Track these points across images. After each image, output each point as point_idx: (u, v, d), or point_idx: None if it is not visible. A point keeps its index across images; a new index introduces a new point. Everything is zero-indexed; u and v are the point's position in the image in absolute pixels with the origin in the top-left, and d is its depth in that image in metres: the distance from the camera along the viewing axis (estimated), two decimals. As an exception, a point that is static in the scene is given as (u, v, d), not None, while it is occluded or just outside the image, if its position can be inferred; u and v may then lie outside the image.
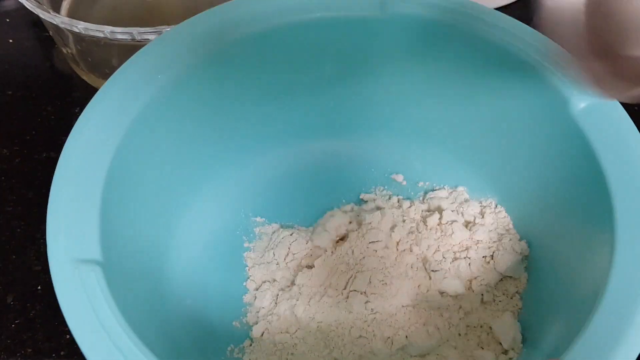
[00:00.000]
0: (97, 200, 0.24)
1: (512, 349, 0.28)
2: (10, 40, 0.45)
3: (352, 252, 0.31)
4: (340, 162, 0.36)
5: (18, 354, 0.30)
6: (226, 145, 0.33)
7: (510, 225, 0.32)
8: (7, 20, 0.46)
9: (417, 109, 0.34)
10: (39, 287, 0.32)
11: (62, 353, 0.30)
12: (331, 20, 0.30)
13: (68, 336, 0.30)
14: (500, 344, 0.29)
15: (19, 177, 0.37)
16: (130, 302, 0.23)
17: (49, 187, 0.37)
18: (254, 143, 0.34)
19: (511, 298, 0.31)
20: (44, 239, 0.34)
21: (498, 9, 0.44)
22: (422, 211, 0.33)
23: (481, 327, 0.30)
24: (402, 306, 0.30)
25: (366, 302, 0.30)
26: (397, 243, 0.32)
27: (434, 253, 0.31)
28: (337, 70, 0.33)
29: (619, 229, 0.24)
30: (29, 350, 0.30)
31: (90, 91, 0.41)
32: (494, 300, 0.30)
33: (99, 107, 0.26)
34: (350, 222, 0.33)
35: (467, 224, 0.33)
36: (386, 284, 0.30)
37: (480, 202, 0.34)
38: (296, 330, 0.30)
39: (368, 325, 0.29)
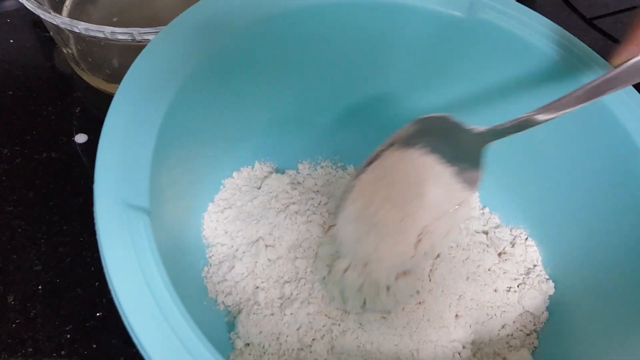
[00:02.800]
0: (149, 149, 0.22)
1: None
2: (11, 41, 0.45)
3: None
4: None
5: (19, 353, 0.30)
6: (287, 107, 0.33)
7: (539, 262, 0.32)
8: (8, 20, 0.46)
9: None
10: (40, 287, 0.32)
11: (62, 352, 0.30)
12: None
13: (68, 335, 0.30)
14: None
15: (19, 177, 0.37)
16: (165, 247, 0.22)
17: (49, 187, 0.37)
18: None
19: (528, 335, 0.30)
20: (45, 239, 0.34)
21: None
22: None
23: (494, 357, 0.29)
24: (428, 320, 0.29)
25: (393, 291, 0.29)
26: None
27: (461, 274, 0.30)
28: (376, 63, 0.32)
29: None
30: (30, 349, 0.30)
31: (91, 91, 0.41)
32: (512, 334, 0.30)
33: (149, 67, 0.25)
34: None
35: (496, 251, 0.32)
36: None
37: (511, 231, 0.33)
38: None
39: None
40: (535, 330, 0.30)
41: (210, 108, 0.29)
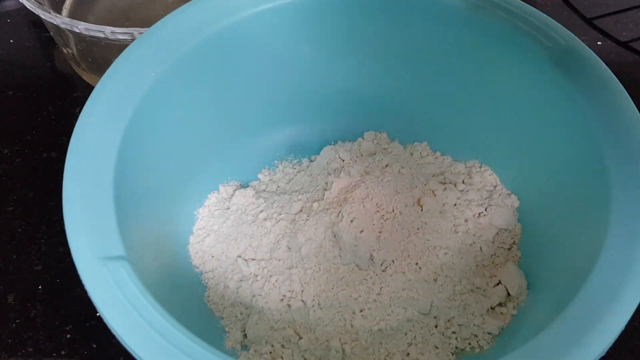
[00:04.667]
0: (110, 196, 0.24)
1: (519, 296, 0.29)
2: (11, 41, 0.45)
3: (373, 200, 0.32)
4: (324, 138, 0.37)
5: (19, 354, 0.30)
6: (229, 127, 0.34)
7: (498, 182, 0.34)
8: (8, 20, 0.46)
9: (391, 77, 0.35)
10: (40, 287, 0.32)
11: (62, 352, 0.30)
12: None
13: (69, 335, 0.31)
14: (508, 293, 0.30)
15: (19, 177, 0.37)
16: (157, 287, 0.24)
17: (49, 187, 0.37)
18: (259, 124, 0.35)
19: (509, 249, 0.32)
20: (45, 239, 0.34)
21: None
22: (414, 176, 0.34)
23: (490, 278, 0.31)
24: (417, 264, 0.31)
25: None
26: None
27: (434, 212, 0.32)
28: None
29: (611, 168, 0.25)
30: (30, 349, 0.30)
31: (91, 91, 0.41)
32: (494, 254, 0.31)
33: (103, 100, 0.27)
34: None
35: (455, 185, 0.34)
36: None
37: (465, 164, 0.35)
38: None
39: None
40: (514, 243, 0.32)
41: (165, 143, 0.30)
